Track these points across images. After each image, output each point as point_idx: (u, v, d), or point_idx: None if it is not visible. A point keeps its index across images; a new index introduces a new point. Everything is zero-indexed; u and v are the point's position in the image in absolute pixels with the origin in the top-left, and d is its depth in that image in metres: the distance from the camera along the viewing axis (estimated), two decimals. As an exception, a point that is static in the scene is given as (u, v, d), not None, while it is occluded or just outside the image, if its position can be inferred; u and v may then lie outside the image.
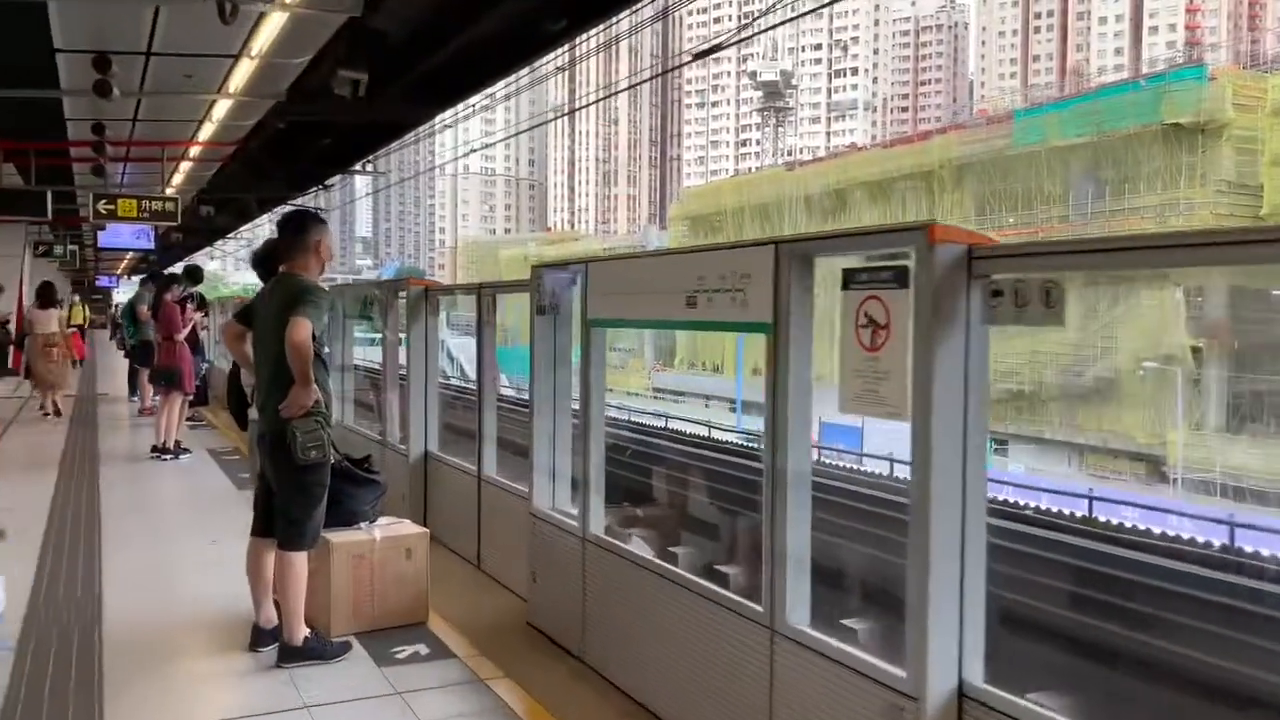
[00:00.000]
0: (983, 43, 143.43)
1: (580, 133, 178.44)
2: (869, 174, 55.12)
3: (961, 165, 48.15)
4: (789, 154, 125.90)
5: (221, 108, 10.77)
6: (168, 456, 9.85)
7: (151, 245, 18.65)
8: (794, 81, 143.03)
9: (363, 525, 4.81)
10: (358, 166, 20.07)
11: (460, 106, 16.11)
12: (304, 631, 4.24)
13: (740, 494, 7.53)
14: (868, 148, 76.43)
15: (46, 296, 14.91)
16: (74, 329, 15.13)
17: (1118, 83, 58.62)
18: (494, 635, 4.74)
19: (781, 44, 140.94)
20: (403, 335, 7.23)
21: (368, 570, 4.66)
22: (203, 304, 11.51)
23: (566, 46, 17.22)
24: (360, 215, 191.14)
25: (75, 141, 12.19)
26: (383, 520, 4.93)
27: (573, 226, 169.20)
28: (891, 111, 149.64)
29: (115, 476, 8.90)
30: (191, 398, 10.71)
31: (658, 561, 3.79)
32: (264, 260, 4.78)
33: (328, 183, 20.31)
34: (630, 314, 3.98)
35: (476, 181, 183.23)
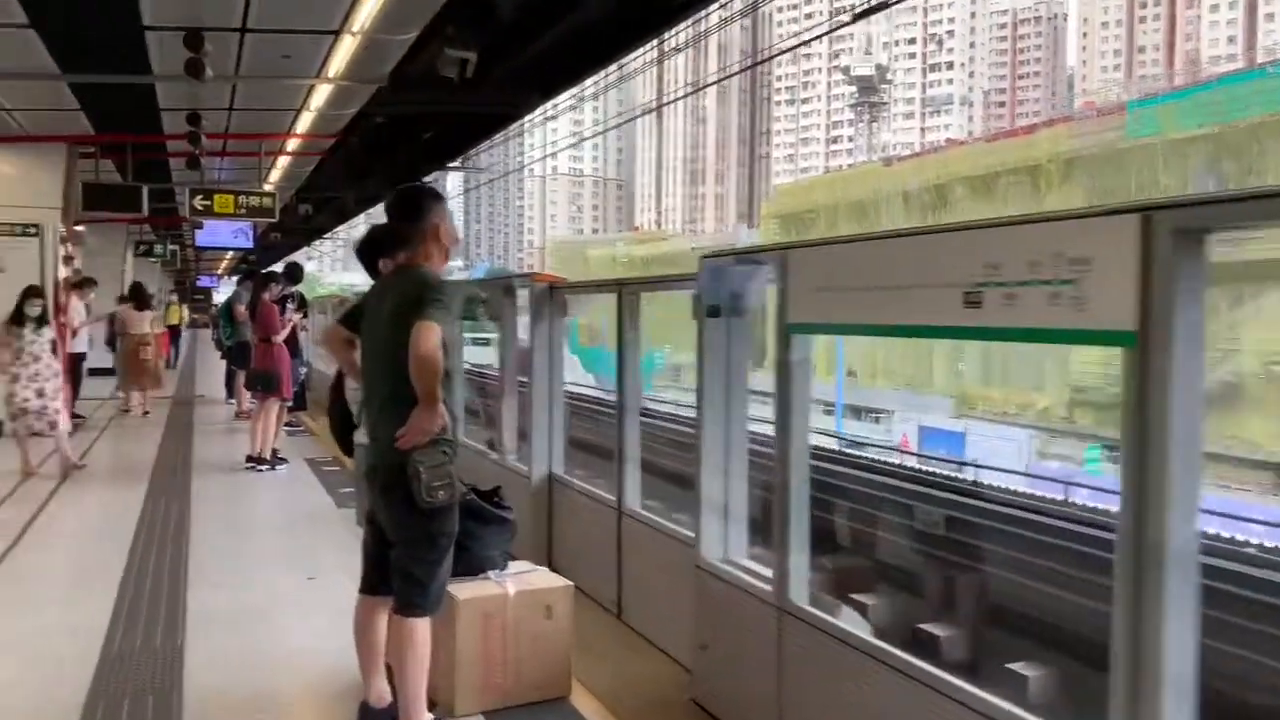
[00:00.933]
0: (1084, 34, 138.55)
1: (668, 132, 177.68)
2: (970, 169, 53.14)
3: (1070, 159, 45.95)
4: (883, 150, 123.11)
5: (321, 95, 10.08)
6: (264, 467, 9.19)
7: (250, 244, 18.30)
8: (889, 76, 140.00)
9: (491, 574, 3.92)
10: (456, 162, 19.47)
11: (561, 97, 15.36)
12: (426, 717, 3.36)
13: (927, 530, 6.51)
14: (969, 142, 74.06)
15: (139, 297, 14.65)
16: (164, 329, 14.86)
17: (1240, 70, 55.45)
18: (652, 715, 3.81)
19: (876, 39, 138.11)
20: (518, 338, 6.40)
21: (499, 632, 3.76)
22: (303, 304, 10.87)
23: (655, 42, 16.50)
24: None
25: (171, 135, 11.68)
26: (513, 567, 4.04)
27: (659, 226, 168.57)
28: (988, 106, 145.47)
29: (208, 490, 8.24)
30: (290, 403, 10.06)
31: (900, 654, 2.79)
32: (371, 250, 3.93)
33: (425, 180, 19.76)
34: (858, 317, 2.99)
35: (565, 182, 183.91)
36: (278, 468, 9.27)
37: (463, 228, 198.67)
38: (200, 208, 12.26)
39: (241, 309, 13.02)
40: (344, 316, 3.73)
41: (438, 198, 3.52)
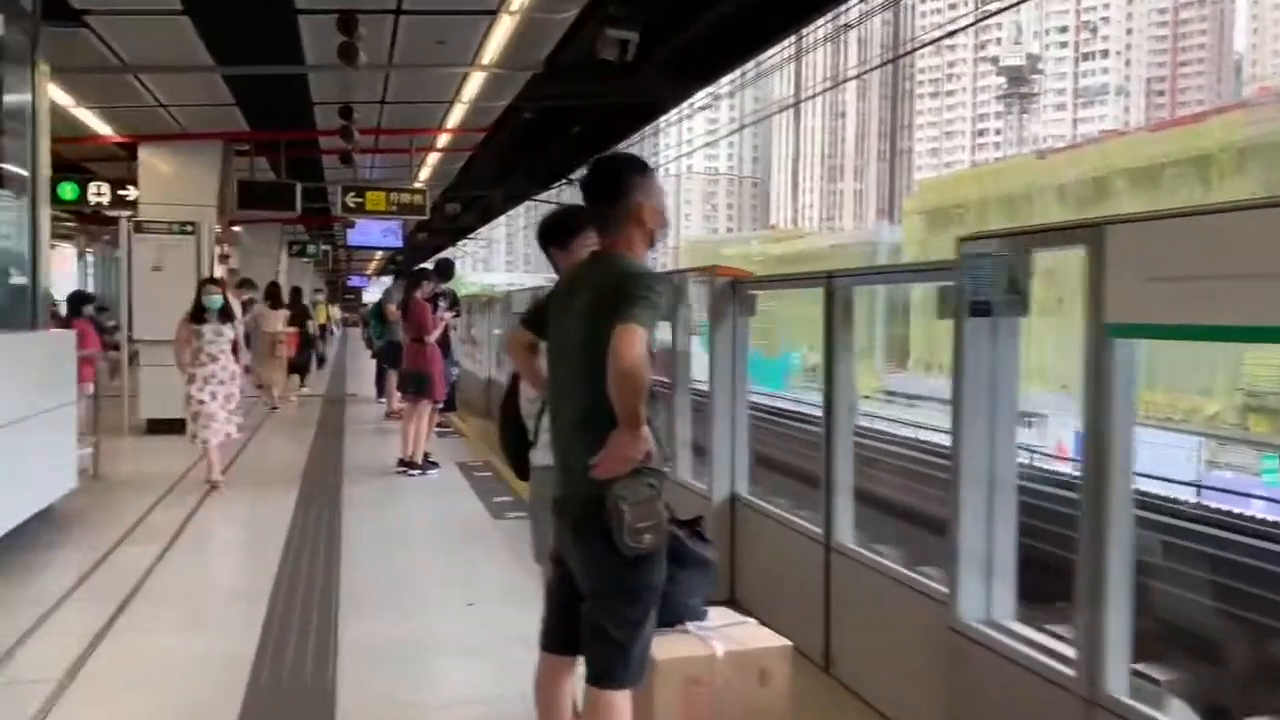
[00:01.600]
0: (1254, 16, 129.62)
1: (805, 127, 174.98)
2: (1132, 160, 49.96)
3: (1245, 148, 42.59)
4: (1033, 142, 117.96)
5: (473, 84, 9.67)
6: (415, 471, 8.82)
7: (400, 244, 18.30)
8: (1039, 66, 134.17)
9: (691, 627, 3.25)
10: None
11: (704, 90, 14.68)
12: (623, 809, 2.72)
13: (1150, 561, 5.53)
14: (1129, 132, 70.06)
15: (275, 296, 14.76)
16: (292, 330, 15.02)
17: None
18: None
19: (1026, 27, 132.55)
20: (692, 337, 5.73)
21: (707, 700, 3.08)
22: (455, 303, 10.49)
23: (793, 38, 15.70)
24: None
25: (324, 130, 11.52)
26: (715, 617, 3.35)
27: (795, 224, 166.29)
28: (1146, 95, 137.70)
29: (359, 496, 7.88)
30: (441, 405, 9.69)
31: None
32: (553, 236, 3.31)
33: (572, 175, 19.37)
34: (1223, 315, 2.17)
35: (699, 181, 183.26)
36: (429, 472, 8.88)
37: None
38: (352, 205, 12.09)
39: (392, 308, 12.84)
40: (528, 316, 3.10)
41: (644, 170, 2.85)
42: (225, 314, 8.07)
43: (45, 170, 7.09)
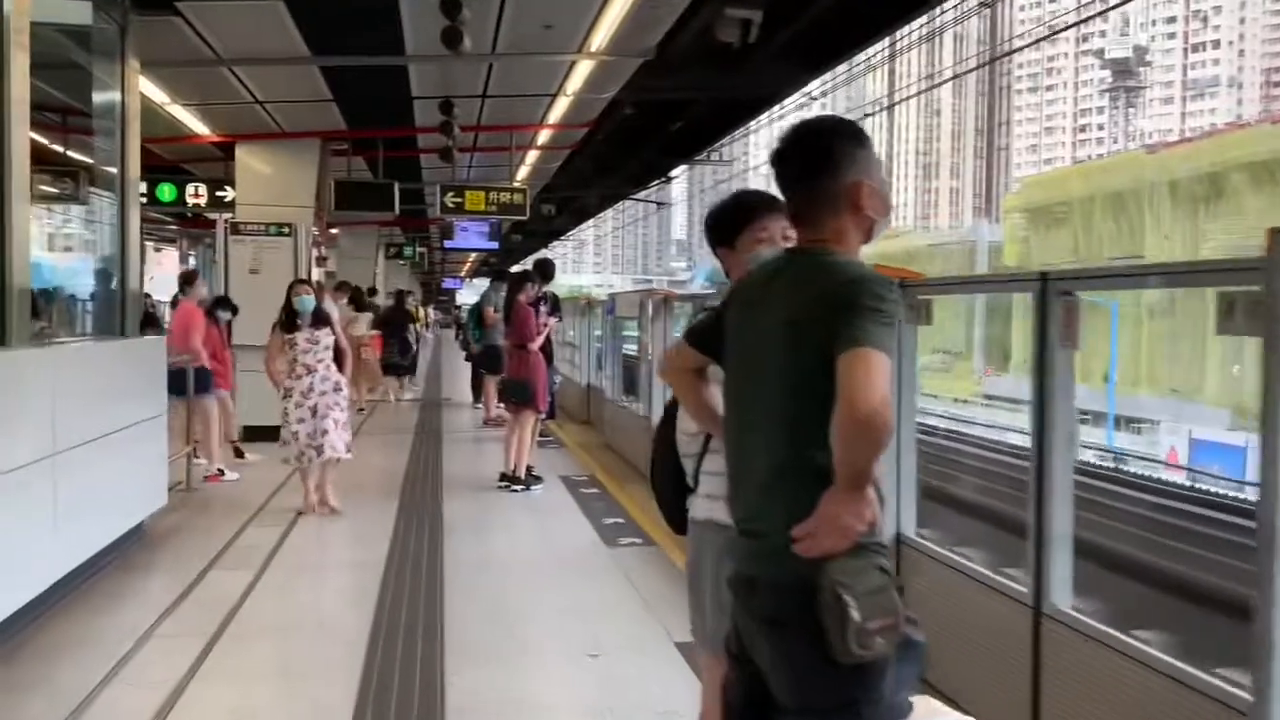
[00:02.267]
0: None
1: (899, 125, 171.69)
2: (1253, 154, 47.21)
3: (1389, 135, 39.89)
4: (1140, 137, 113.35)
5: (579, 74, 9.07)
6: (518, 487, 8.26)
7: (496, 246, 17.89)
8: (1147, 58, 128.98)
9: (897, 727, 2.54)
10: (701, 155, 18.34)
11: (817, 77, 13.89)
12: None
13: None
14: (1248, 125, 66.49)
15: (358, 300, 14.48)
16: (375, 332, 14.77)
17: None
18: None
19: (1133, 18, 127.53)
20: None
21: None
22: (556, 307, 9.92)
23: (887, 41, 14.89)
24: (675, 218, 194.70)
25: (423, 128, 11.08)
26: (920, 705, 2.64)
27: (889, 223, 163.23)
28: (1260, 87, 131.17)
29: (460, 515, 7.33)
30: (545, 415, 9.13)
31: None
32: (728, 226, 2.63)
33: (671, 174, 18.76)
34: None
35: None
36: (533, 488, 8.32)
37: (686, 228, 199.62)
38: (451, 205, 11.64)
39: (491, 311, 12.36)
40: (696, 332, 2.41)
41: (859, 139, 2.13)
42: (320, 319, 7.26)
43: (135, 170, 6.71)
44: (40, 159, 11.23)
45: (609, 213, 33.84)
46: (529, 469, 8.43)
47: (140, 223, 7.34)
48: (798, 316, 1.98)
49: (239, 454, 9.42)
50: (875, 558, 1.94)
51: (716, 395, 2.32)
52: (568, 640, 4.65)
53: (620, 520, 7.10)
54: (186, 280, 9.47)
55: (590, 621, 4.94)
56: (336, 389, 7.18)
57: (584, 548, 6.46)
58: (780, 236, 2.51)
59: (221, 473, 8.55)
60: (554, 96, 10.05)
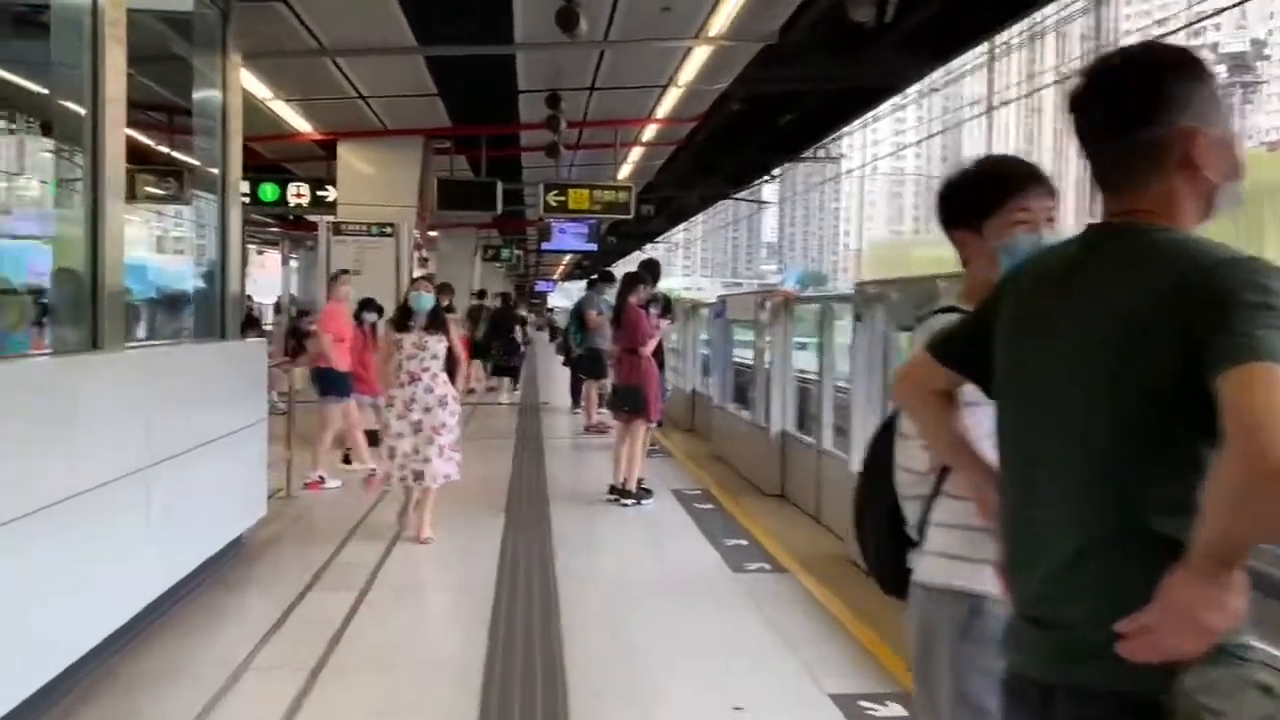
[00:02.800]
0: None
1: (998, 125, 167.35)
2: (1388, 149, 44.40)
3: None
4: (1259, 134, 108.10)
5: (694, 63, 8.56)
6: (628, 501, 7.77)
7: (594, 247, 17.49)
8: (1265, 52, 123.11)
9: None
10: (809, 152, 17.67)
11: (943, 65, 13.13)
12: None
13: None
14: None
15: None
16: (462, 333, 14.47)
17: None
18: None
19: (1249, 9, 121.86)
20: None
21: None
22: (668, 308, 9.39)
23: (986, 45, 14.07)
24: (766, 220, 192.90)
25: (527, 124, 10.71)
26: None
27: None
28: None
29: (570, 531, 6.85)
30: (656, 425, 8.63)
31: None
32: (975, 202, 2.03)
33: (775, 172, 18.13)
34: None
35: (884, 182, 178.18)
36: (644, 502, 7.81)
37: (778, 230, 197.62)
38: (554, 204, 11.24)
39: (594, 314, 11.93)
40: (945, 342, 1.80)
41: (1196, 72, 1.53)
42: (435, 322, 6.45)
43: (236, 168, 6.39)
44: (142, 158, 11.21)
45: (699, 215, 33.27)
46: (640, 483, 7.92)
47: (243, 224, 7.06)
48: (1131, 321, 1.39)
49: (346, 460, 9.10)
50: (1250, 669, 1.34)
51: (970, 423, 1.75)
52: (706, 686, 4.11)
53: (743, 542, 6.54)
54: (332, 279, 9.15)
55: (727, 663, 4.39)
56: (443, 404, 6.36)
57: (708, 572, 5.90)
58: (1045, 220, 1.94)
59: (322, 480, 8.25)
60: (664, 88, 9.56)
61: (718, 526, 7.01)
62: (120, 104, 4.37)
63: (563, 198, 11.18)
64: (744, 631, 4.84)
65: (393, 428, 6.34)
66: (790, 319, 8.30)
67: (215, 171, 6.28)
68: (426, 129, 10.78)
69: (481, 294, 18.11)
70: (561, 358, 17.40)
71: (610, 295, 12.28)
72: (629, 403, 7.89)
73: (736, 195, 19.81)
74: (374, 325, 8.70)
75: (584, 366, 12.51)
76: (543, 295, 49.06)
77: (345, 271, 9.23)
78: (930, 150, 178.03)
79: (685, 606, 5.31)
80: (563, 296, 56.67)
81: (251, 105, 8.93)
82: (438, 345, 6.40)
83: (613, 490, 7.91)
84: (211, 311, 6.22)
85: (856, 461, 5.95)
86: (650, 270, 8.74)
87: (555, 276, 46.36)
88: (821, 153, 17.28)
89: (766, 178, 18.57)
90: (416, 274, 11.33)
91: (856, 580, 5.67)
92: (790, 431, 8.22)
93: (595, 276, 12.30)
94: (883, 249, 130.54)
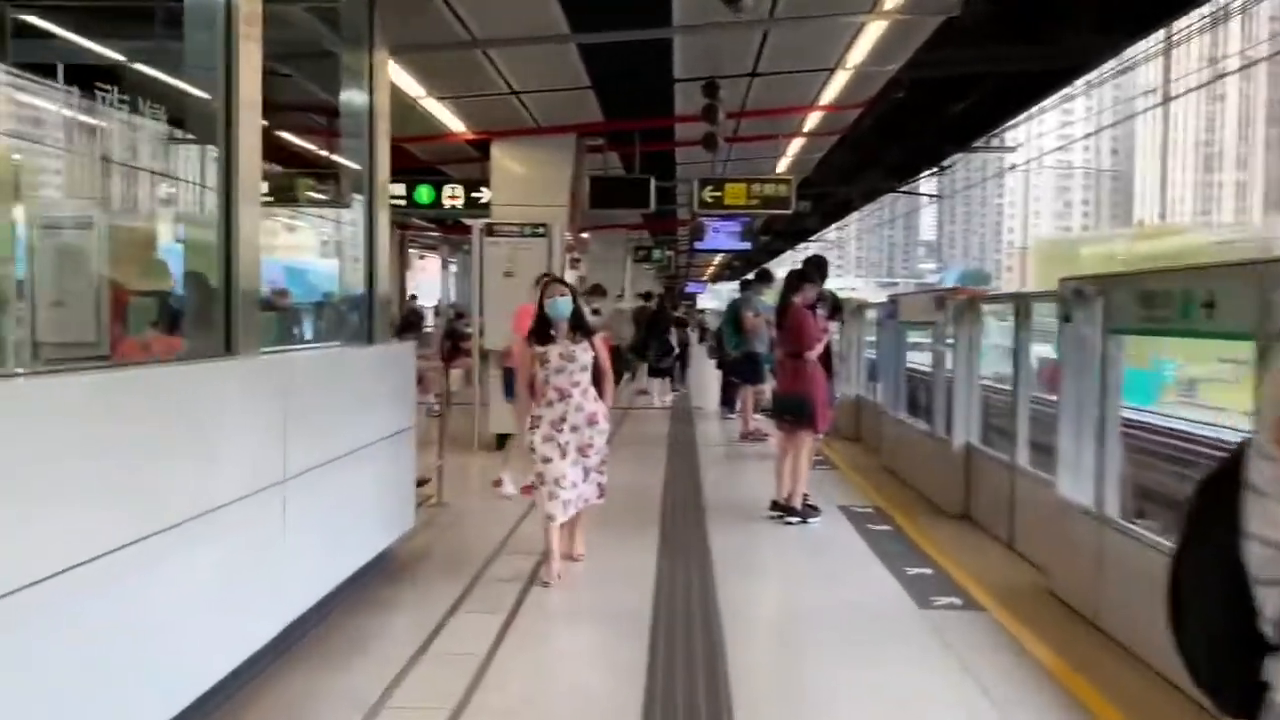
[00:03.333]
0: None
1: (1175, 113, 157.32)
2: None
3: None
4: None
5: (865, 41, 7.87)
6: (794, 519, 7.16)
7: (748, 246, 16.85)
8: None
9: None
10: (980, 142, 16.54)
11: (1136, 41, 11.93)
12: None
13: None
14: None
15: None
16: (605, 333, 14.13)
17: None
18: None
19: None
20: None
21: None
22: (837, 309, 8.71)
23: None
24: (924, 218, 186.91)
25: (682, 116, 10.22)
26: None
27: (1164, 219, 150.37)
28: None
29: (731, 555, 6.28)
30: (823, 435, 7.99)
31: None
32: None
33: (944, 163, 17.05)
34: None
35: (1050, 176, 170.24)
36: (810, 521, 7.19)
37: (936, 228, 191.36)
38: (709, 199, 10.71)
39: (750, 315, 11.36)
40: None
41: None
42: (578, 326, 5.75)
43: (384, 167, 6.11)
44: (301, 161, 11.28)
45: (854, 214, 32.03)
46: (805, 498, 7.31)
47: (391, 226, 6.81)
48: None
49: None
50: None
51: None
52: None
53: (926, 571, 5.84)
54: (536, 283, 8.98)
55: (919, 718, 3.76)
56: (591, 422, 5.68)
57: (888, 605, 5.24)
58: None
59: (499, 483, 8.03)
60: (831, 71, 8.88)
61: (896, 551, 6.33)
62: (255, 104, 4.09)
63: (718, 193, 10.64)
64: (936, 681, 4.18)
65: (539, 451, 5.61)
66: (976, 321, 7.52)
67: (360, 168, 6.03)
68: (579, 124, 10.43)
69: (648, 295, 18.06)
70: (714, 361, 16.90)
71: (768, 295, 11.68)
72: (793, 412, 7.28)
73: (902, 189, 18.79)
74: None
75: (739, 370, 11.95)
76: (692, 297, 48.62)
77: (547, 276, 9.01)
78: (1100, 143, 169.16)
79: (864, 644, 4.69)
80: (712, 298, 56.11)
81: (403, 104, 8.76)
82: (585, 355, 5.68)
83: (775, 506, 7.32)
84: (359, 315, 5.96)
85: (1068, 486, 5.18)
86: (818, 267, 8.05)
87: (705, 278, 45.84)
88: (996, 141, 16.10)
89: (935, 169, 17.49)
90: (570, 277, 11.02)
91: (1064, 620, 4.93)
92: (976, 445, 7.43)
93: (751, 276, 11.71)
94: (1051, 246, 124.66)
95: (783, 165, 13.63)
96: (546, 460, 5.57)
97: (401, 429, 6.00)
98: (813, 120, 11.05)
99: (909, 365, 9.85)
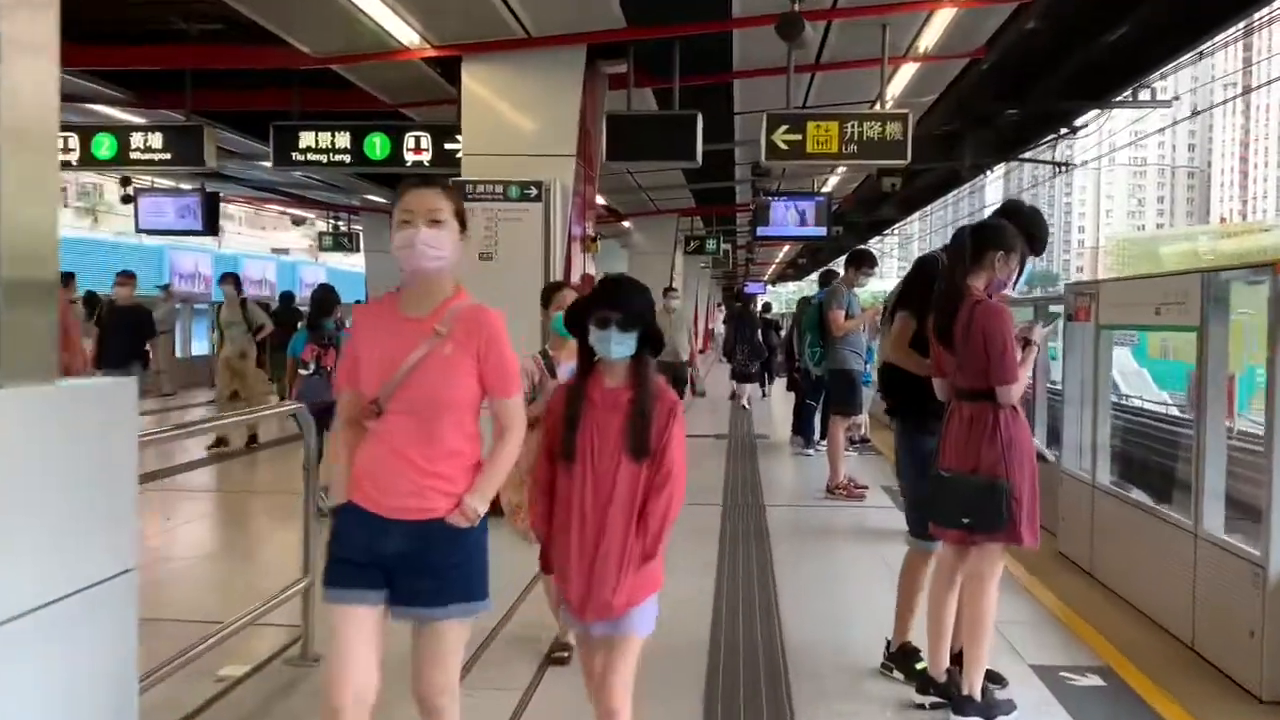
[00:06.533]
0: None
1: (1256, 107, 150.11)
2: None
3: None
4: None
5: None
6: (938, 701, 3.69)
7: (824, 232, 13.24)
8: None
9: None
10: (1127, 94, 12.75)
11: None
12: None
13: None
14: None
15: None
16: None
17: None
18: None
19: None
20: None
21: None
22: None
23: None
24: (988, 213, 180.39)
25: (741, 19, 6.80)
26: None
27: (1244, 217, 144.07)
28: None
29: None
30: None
31: None
32: None
33: (1077, 123, 13.34)
34: None
35: (1123, 174, 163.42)
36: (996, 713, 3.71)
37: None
38: (784, 145, 7.18)
39: (841, 316, 7.92)
40: None
41: None
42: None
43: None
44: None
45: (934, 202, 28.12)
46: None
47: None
48: None
49: None
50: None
51: None
52: None
53: None
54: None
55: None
56: None
57: None
58: None
59: None
60: None
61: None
62: None
63: (797, 135, 7.10)
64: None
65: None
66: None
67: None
68: (590, 33, 7.02)
69: (738, 296, 15.89)
70: (784, 378, 13.45)
71: (861, 289, 8.27)
72: (976, 511, 3.67)
73: (1025, 157, 15.05)
74: None
75: (827, 393, 8.48)
76: (751, 299, 45.05)
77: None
78: (1175, 138, 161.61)
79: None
80: (772, 301, 52.35)
81: (341, 10, 5.59)
82: None
83: (896, 661, 3.87)
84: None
85: None
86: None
87: (766, 277, 42.20)
88: (1145, 94, 12.40)
89: (1064, 133, 13.78)
90: (579, 268, 7.64)
91: None
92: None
93: (851, 258, 8.20)
94: (1127, 245, 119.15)
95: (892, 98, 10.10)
96: None
97: (105, 575, 2.59)
98: (931, 35, 7.53)
99: (1121, 403, 6.11)
